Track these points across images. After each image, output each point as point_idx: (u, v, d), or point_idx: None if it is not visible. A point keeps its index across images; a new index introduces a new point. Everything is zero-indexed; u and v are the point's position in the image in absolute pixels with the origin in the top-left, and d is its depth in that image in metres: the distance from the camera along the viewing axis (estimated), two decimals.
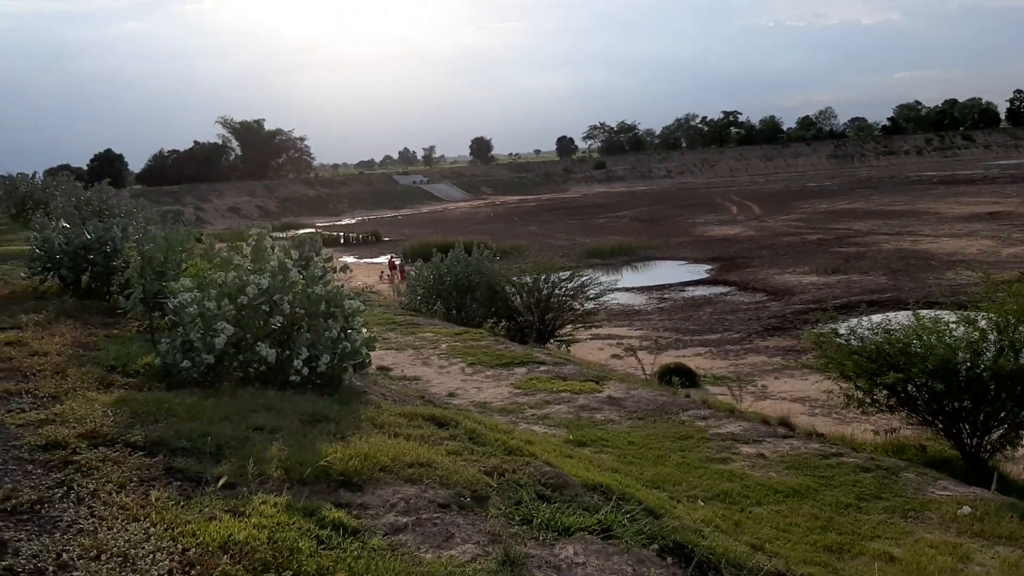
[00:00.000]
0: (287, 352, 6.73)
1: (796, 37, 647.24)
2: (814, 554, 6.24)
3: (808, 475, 8.50)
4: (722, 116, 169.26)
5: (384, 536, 4.08)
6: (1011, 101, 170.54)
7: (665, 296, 32.53)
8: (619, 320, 27.35)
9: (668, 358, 20.01)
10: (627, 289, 33.48)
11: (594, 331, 24.17)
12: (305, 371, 6.66)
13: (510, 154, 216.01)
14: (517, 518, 4.55)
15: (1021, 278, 11.58)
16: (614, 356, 21.76)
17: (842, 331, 12.07)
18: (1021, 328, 10.39)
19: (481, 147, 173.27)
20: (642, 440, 9.47)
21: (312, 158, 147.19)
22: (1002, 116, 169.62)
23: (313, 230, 63.50)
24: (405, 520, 4.34)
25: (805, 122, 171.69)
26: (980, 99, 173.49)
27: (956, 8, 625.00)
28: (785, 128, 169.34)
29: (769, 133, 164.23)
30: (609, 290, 22.60)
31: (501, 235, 52.71)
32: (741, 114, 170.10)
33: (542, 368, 13.24)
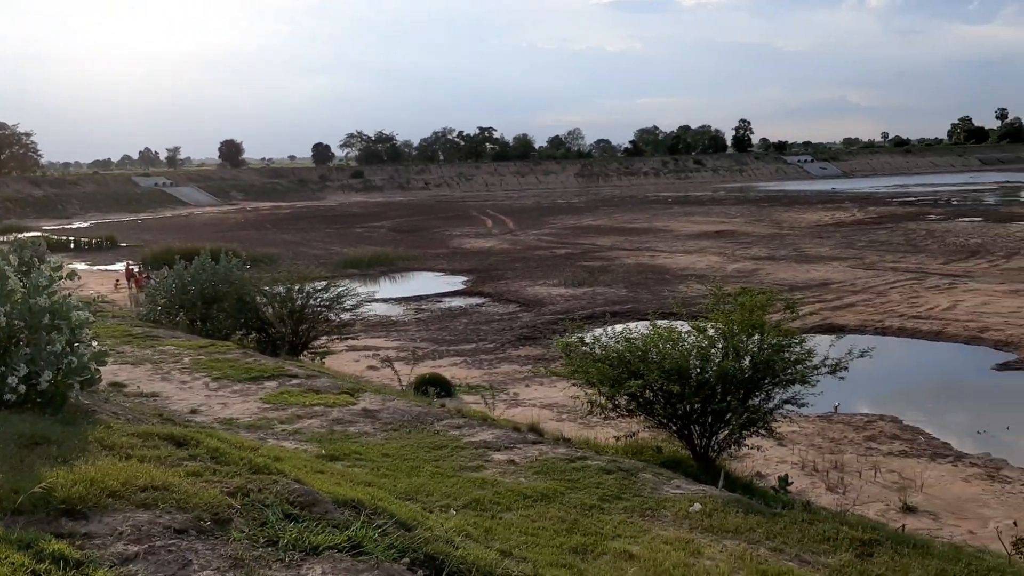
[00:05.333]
0: (2, 368, 6.06)
1: (548, 59, 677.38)
2: (560, 556, 6.44)
3: (555, 479, 8.79)
4: (478, 131, 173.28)
5: (112, 567, 3.78)
6: (736, 129, 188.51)
7: (422, 307, 32.73)
8: (376, 331, 27.17)
9: (424, 369, 20.11)
10: (384, 300, 33.33)
11: (350, 343, 23.85)
12: (22, 389, 6.02)
13: (263, 159, 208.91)
14: (262, 540, 4.35)
15: (743, 291, 12.66)
16: (370, 368, 21.58)
17: (587, 340, 12.64)
18: (743, 336, 11.37)
19: (231, 150, 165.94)
20: (396, 452, 9.41)
21: (39, 155, 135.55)
22: (728, 143, 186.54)
23: (39, 234, 58.22)
24: (136, 549, 4.03)
25: (555, 141, 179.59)
26: (710, 127, 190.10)
27: (692, 41, 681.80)
28: (537, 146, 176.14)
29: (522, 150, 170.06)
30: (366, 301, 22.35)
31: (252, 242, 50.87)
32: (496, 130, 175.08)
33: (294, 381, 12.85)
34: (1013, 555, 8.58)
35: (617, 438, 12.39)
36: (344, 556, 4.30)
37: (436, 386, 16.50)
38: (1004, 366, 21.20)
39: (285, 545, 4.30)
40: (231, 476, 5.27)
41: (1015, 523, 10.84)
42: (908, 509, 12.13)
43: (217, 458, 5.69)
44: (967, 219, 57.40)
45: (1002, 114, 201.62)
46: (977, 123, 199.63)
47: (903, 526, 9.94)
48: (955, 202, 76.31)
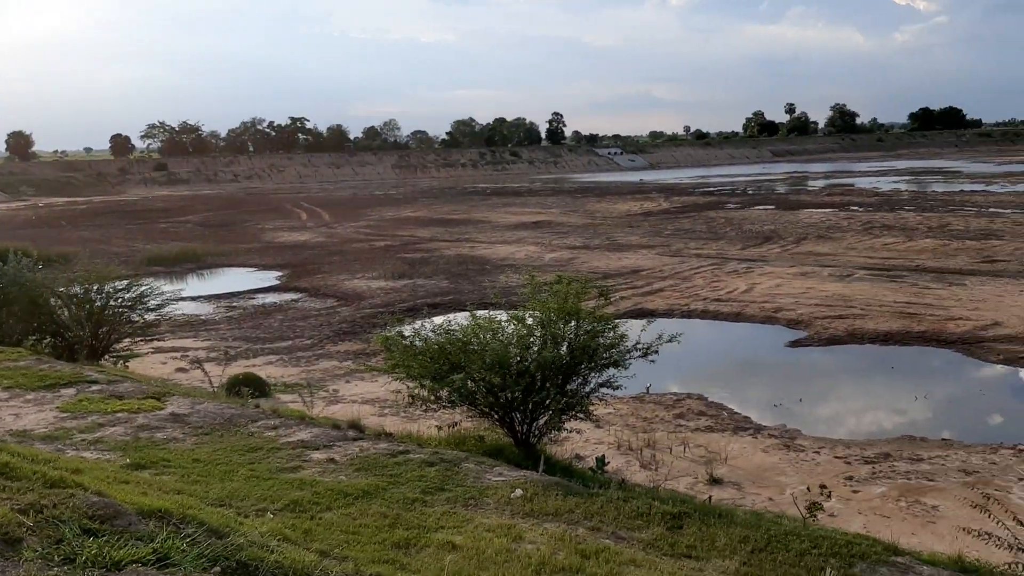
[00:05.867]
0: None
1: (362, 49, 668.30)
2: (383, 552, 6.39)
3: (377, 475, 8.71)
4: (290, 121, 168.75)
5: None
6: (550, 122, 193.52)
7: (234, 304, 31.51)
8: (185, 331, 25.91)
9: (237, 368, 19.38)
10: (193, 298, 31.86)
11: (156, 344, 22.67)
12: None
13: (55, 151, 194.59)
14: (57, 558, 4.06)
15: (559, 279, 12.97)
16: (179, 370, 20.57)
17: (408, 333, 12.58)
18: (560, 323, 11.67)
19: (19, 142, 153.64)
20: (208, 456, 9.03)
21: None
22: (543, 135, 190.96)
23: None
24: None
25: (371, 132, 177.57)
26: (524, 119, 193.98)
27: (504, 34, 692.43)
28: (352, 137, 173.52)
29: (337, 141, 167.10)
30: (172, 300, 21.26)
31: (46, 241, 47.28)
32: (309, 121, 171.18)
33: (94, 388, 12.09)
34: (808, 518, 9.26)
35: (440, 428, 12.43)
36: (150, 570, 4.07)
37: (250, 386, 15.96)
38: (796, 343, 22.84)
39: (84, 562, 4.04)
40: (22, 492, 4.89)
41: (808, 488, 11.71)
42: (714, 481, 12.85)
43: (7, 473, 5.27)
44: (761, 207, 61.37)
45: (790, 109, 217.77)
46: (769, 117, 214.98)
47: (710, 497, 10.52)
48: (750, 191, 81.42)
